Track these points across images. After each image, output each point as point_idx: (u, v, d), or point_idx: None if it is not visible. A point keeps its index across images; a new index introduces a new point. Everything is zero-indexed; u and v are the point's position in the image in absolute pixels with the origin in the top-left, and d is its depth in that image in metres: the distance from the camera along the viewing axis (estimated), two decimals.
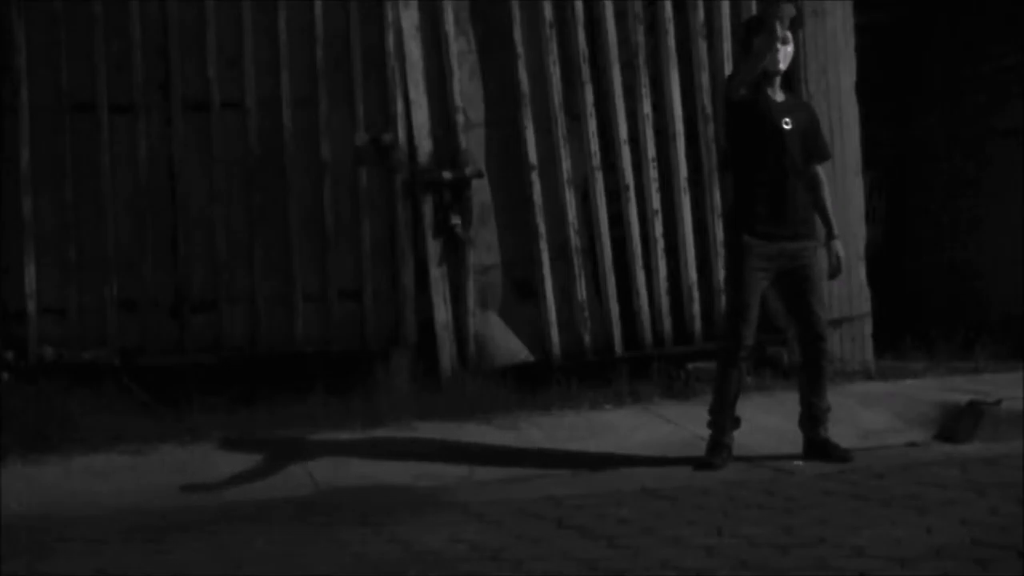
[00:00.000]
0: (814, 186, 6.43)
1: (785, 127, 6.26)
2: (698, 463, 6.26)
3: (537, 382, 7.61)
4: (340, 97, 7.71)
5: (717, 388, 6.39)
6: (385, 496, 5.94)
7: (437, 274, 7.75)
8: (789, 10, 6.24)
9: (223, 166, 7.61)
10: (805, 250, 6.33)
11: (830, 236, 6.46)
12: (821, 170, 6.48)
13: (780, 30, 6.20)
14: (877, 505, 5.42)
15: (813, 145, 6.42)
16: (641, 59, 8.06)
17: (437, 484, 6.16)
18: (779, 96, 6.35)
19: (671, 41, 8.09)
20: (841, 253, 6.45)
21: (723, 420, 6.35)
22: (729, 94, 6.33)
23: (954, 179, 9.68)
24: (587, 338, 7.93)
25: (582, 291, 7.94)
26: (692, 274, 8.08)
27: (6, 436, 6.55)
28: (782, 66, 6.31)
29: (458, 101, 7.81)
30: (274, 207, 7.66)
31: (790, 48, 6.33)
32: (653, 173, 8.06)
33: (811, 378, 6.41)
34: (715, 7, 8.16)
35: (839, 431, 6.50)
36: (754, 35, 6.35)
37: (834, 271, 6.46)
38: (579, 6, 7.98)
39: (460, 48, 7.87)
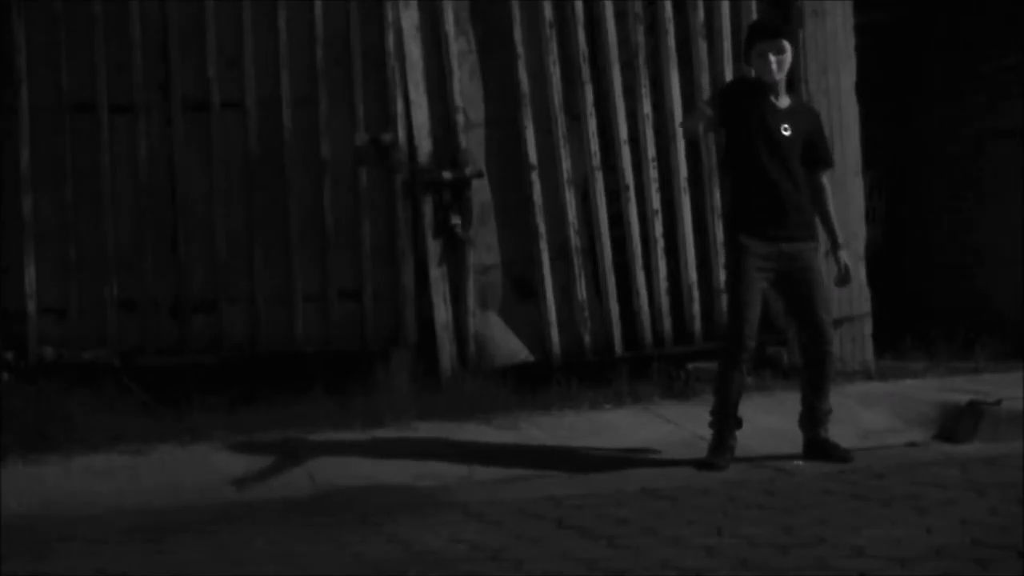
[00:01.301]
0: (818, 194, 6.43)
1: (784, 134, 6.25)
2: (700, 463, 6.26)
3: (537, 382, 7.61)
4: (340, 97, 7.71)
5: (718, 389, 6.39)
6: (385, 496, 5.94)
7: (437, 274, 7.76)
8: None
9: (223, 166, 7.61)
10: (805, 251, 6.32)
11: (835, 246, 6.46)
12: (825, 178, 6.48)
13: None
14: (877, 505, 5.42)
15: (816, 153, 6.42)
16: (641, 59, 8.06)
17: (437, 484, 6.15)
18: (783, 102, 6.34)
19: (671, 41, 8.09)
20: (848, 262, 6.47)
21: (725, 421, 6.35)
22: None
23: (954, 179, 9.67)
24: (587, 338, 7.93)
25: (582, 291, 7.94)
26: (692, 274, 8.08)
27: (6, 436, 6.55)
28: (778, 76, 6.29)
29: (458, 101, 7.82)
30: (274, 207, 7.66)
31: (788, 56, 6.30)
32: (653, 173, 8.07)
33: (814, 381, 6.39)
34: (715, 7, 8.17)
35: (839, 431, 6.50)
36: (751, 43, 6.35)
37: (842, 280, 6.47)
38: (579, 6, 7.98)
39: (460, 48, 7.87)
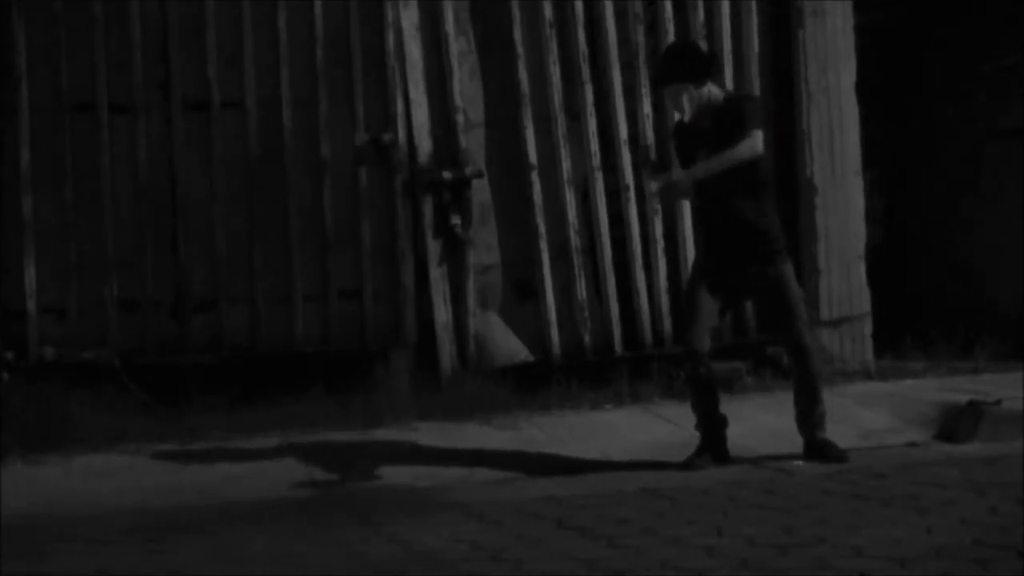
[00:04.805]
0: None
1: (700, 158, 6.20)
2: (680, 465, 6.28)
3: (537, 382, 7.61)
4: (340, 97, 7.71)
5: (689, 395, 6.46)
6: (385, 496, 5.94)
7: (437, 274, 7.76)
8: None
9: (223, 166, 7.61)
10: (765, 264, 6.30)
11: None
12: (749, 138, 6.13)
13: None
14: (877, 505, 5.42)
15: (734, 130, 6.17)
16: (641, 59, 8.06)
17: (437, 484, 6.16)
18: (705, 123, 6.26)
19: (671, 41, 8.08)
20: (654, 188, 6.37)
21: (705, 423, 6.37)
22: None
23: (954, 179, 9.67)
24: (587, 338, 7.93)
25: (582, 291, 7.94)
26: None
27: (6, 436, 6.55)
28: (689, 115, 6.27)
29: (458, 101, 7.82)
30: (274, 207, 7.66)
31: (690, 93, 6.22)
32: None
33: (802, 386, 6.39)
34: (715, 7, 8.17)
35: (839, 431, 6.50)
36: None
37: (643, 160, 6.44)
38: (579, 6, 7.98)
39: (460, 48, 7.87)
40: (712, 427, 6.37)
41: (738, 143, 6.08)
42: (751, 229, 6.25)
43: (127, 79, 7.51)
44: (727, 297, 6.39)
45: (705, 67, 6.35)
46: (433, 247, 7.74)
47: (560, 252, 7.93)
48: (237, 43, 7.60)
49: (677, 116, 6.46)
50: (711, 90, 6.29)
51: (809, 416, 6.39)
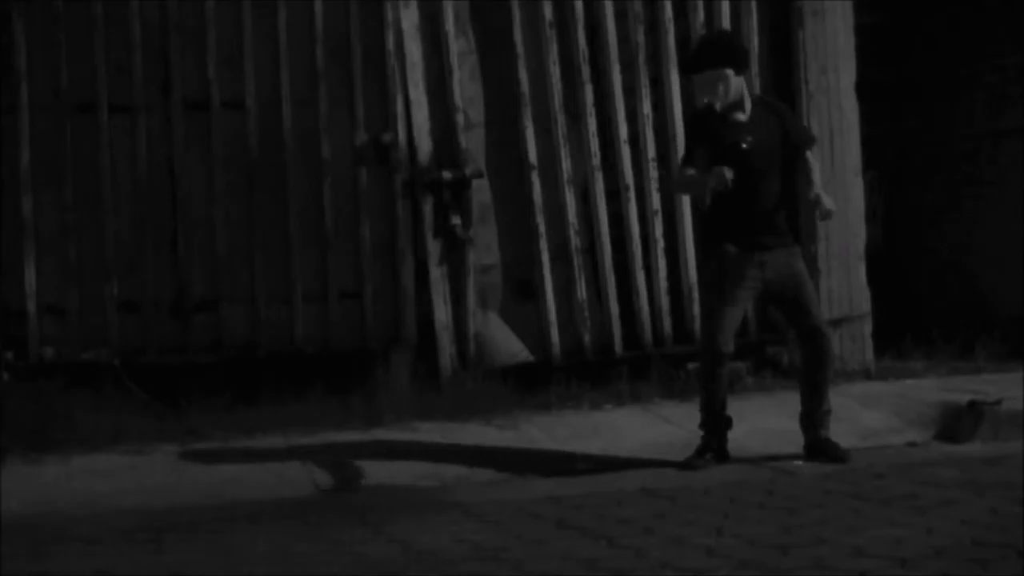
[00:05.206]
0: (803, 171, 6.37)
1: (744, 147, 6.19)
2: (680, 465, 6.28)
3: (537, 382, 7.61)
4: (340, 97, 7.71)
5: (701, 394, 6.42)
6: (385, 496, 5.94)
7: (437, 274, 7.76)
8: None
9: (223, 166, 7.61)
10: (784, 257, 6.32)
11: (814, 193, 6.29)
12: (810, 154, 6.40)
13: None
14: (877, 505, 5.42)
15: (795, 138, 6.36)
16: (641, 59, 8.06)
17: (437, 484, 6.16)
18: (742, 115, 6.27)
19: (671, 41, 8.09)
20: (827, 204, 6.23)
21: (710, 424, 6.37)
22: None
23: (954, 179, 9.67)
24: (587, 338, 7.93)
25: (582, 291, 7.94)
26: (692, 274, 8.08)
27: (6, 436, 6.55)
28: (721, 105, 6.22)
29: (458, 101, 7.82)
30: (274, 207, 7.66)
31: (728, 81, 6.20)
32: (653, 173, 8.07)
33: (814, 382, 6.39)
34: (715, 7, 8.17)
35: (839, 431, 6.50)
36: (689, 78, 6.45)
37: (824, 214, 6.30)
38: (579, 6, 7.99)
39: (460, 48, 7.87)
40: (717, 428, 6.37)
41: (809, 163, 6.35)
42: (775, 225, 6.30)
43: (127, 79, 7.51)
44: (753, 294, 6.38)
45: (745, 57, 6.35)
46: (433, 247, 7.75)
47: (560, 252, 7.93)
48: (237, 43, 7.61)
49: (704, 103, 6.34)
50: (742, 84, 6.30)
51: (814, 413, 6.40)
